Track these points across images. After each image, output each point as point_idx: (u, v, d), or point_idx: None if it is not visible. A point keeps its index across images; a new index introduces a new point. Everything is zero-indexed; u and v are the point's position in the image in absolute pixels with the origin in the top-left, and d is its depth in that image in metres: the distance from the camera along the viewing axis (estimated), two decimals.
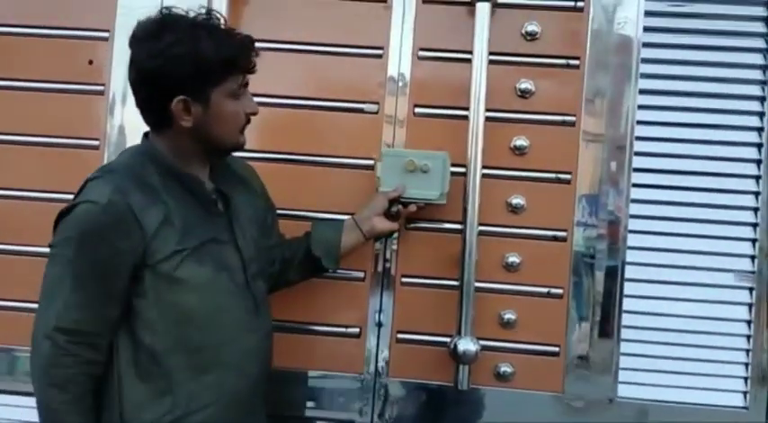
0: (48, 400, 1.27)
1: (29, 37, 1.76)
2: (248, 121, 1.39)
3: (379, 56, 1.71)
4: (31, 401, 1.30)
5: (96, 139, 1.74)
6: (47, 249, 1.29)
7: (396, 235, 1.69)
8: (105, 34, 1.74)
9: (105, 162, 1.71)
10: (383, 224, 1.60)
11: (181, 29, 1.28)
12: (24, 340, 1.66)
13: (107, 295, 1.29)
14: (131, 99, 1.34)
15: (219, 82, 1.31)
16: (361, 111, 1.72)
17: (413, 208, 1.61)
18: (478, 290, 1.62)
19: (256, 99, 1.70)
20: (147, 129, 1.38)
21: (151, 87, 1.29)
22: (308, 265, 1.58)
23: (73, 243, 1.26)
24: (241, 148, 1.40)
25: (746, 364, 1.65)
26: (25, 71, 1.76)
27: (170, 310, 1.31)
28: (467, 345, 1.57)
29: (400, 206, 1.60)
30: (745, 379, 1.65)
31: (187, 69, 1.27)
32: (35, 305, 1.69)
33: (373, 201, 1.61)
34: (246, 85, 1.37)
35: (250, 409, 1.42)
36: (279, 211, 1.63)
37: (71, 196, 1.65)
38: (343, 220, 1.61)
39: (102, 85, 1.74)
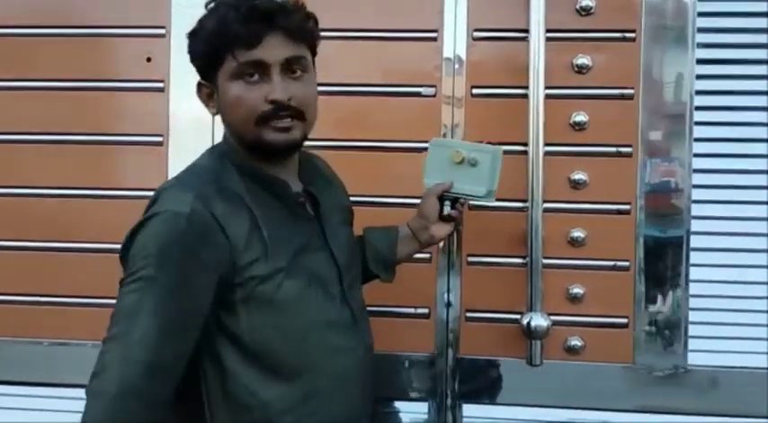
0: None
1: (89, 37, 1.79)
2: (279, 111, 1.14)
3: (434, 39, 1.72)
4: None
5: (160, 135, 1.77)
6: (116, 246, 1.13)
7: None
8: (162, 31, 1.76)
9: (169, 158, 1.75)
10: (441, 231, 1.47)
11: (213, 8, 1.17)
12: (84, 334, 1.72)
13: (190, 320, 1.09)
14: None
15: (220, 61, 1.15)
16: (418, 94, 1.73)
17: (460, 207, 1.50)
18: (545, 266, 1.63)
19: None
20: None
21: None
22: (365, 276, 1.48)
23: (153, 259, 1.06)
24: (271, 147, 1.17)
25: None
26: (88, 71, 1.79)
27: (261, 332, 1.15)
28: (538, 320, 1.59)
29: (452, 211, 1.47)
30: None
31: (194, 50, 1.20)
32: (90, 300, 1.73)
33: (425, 206, 1.47)
34: (258, 64, 1.13)
35: None
36: None
37: (137, 193, 1.72)
38: (396, 229, 1.51)
39: (162, 81, 1.76)
